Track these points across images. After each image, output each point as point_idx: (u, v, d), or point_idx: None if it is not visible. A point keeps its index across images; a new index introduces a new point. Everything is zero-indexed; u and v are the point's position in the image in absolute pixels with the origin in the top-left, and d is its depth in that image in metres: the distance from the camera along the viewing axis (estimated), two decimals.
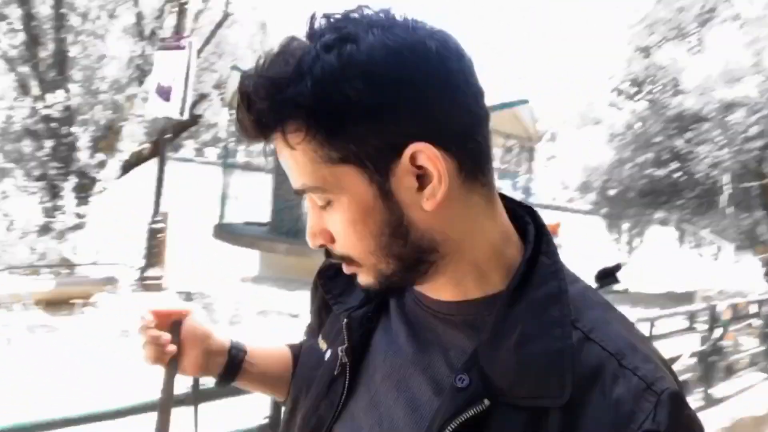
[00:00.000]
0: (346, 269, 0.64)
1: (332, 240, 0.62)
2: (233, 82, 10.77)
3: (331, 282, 0.77)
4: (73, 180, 9.65)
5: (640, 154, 12.17)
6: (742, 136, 8.90)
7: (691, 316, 6.07)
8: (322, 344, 0.76)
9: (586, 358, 0.57)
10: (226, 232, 11.39)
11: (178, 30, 8.58)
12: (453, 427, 0.57)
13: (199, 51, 10.07)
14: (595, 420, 0.54)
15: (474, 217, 0.62)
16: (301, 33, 0.59)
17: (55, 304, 6.98)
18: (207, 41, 11.06)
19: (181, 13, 8.50)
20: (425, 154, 0.58)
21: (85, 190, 10.08)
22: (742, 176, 10.69)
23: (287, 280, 9.37)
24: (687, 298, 12.36)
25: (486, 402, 0.57)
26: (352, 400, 0.68)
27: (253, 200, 12.39)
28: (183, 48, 7.60)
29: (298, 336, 0.95)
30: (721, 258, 15.41)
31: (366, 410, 0.66)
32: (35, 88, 9.86)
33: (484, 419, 0.57)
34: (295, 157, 0.59)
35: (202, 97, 11.27)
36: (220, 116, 12.07)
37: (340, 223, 0.60)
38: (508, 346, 0.58)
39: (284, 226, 11.05)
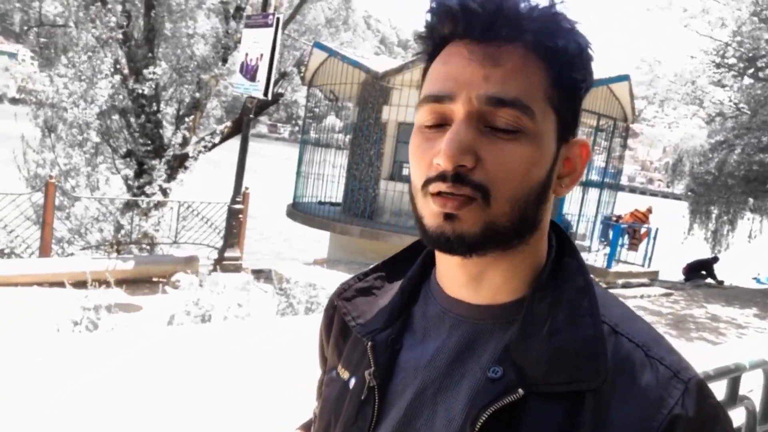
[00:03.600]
0: (457, 205, 0.59)
1: (474, 164, 0.58)
2: (315, 60, 10.64)
3: (349, 304, 0.75)
4: (158, 157, 9.85)
5: (751, 137, 11.05)
6: None
7: None
8: (344, 373, 0.73)
9: (615, 349, 0.59)
10: (299, 211, 11.32)
11: (265, 7, 8.40)
12: (487, 414, 0.57)
13: (283, 28, 9.96)
14: (626, 405, 0.56)
15: (548, 215, 0.66)
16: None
17: (136, 282, 7.14)
18: (291, 18, 10.94)
19: None
20: (584, 149, 0.65)
21: (169, 167, 10.30)
22: None
23: (359, 263, 9.24)
24: None
25: (520, 391, 0.57)
26: (384, 422, 0.67)
27: (328, 179, 12.26)
28: (270, 25, 7.43)
29: None
30: None
31: (400, 429, 0.65)
32: (126, 68, 10.11)
33: (519, 409, 0.57)
34: (521, 71, 0.59)
35: (282, 75, 11.22)
36: (299, 94, 11.97)
37: (519, 157, 0.59)
38: (539, 337, 0.59)
39: (358, 207, 10.90)
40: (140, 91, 9.65)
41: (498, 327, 0.63)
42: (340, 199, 11.87)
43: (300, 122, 12.85)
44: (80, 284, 5.76)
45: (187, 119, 10.57)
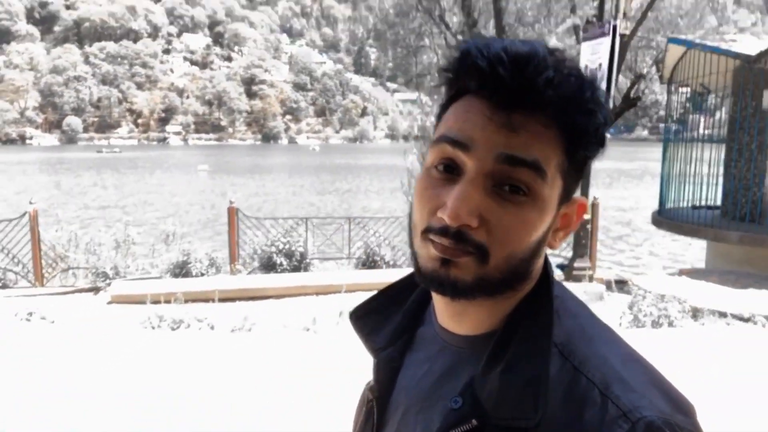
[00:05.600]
0: (457, 255, 0.60)
1: (478, 225, 0.59)
2: (672, 56, 9.86)
3: (360, 321, 0.80)
4: None
5: None
6: None
7: None
8: (370, 383, 0.81)
9: (573, 388, 0.59)
10: (665, 218, 10.49)
11: (616, 12, 8.29)
12: None
13: (636, 28, 9.61)
14: None
15: (541, 261, 0.67)
16: None
17: None
18: (643, 16, 10.44)
19: None
20: (580, 207, 0.67)
21: None
22: None
23: (738, 274, 8.11)
24: None
25: (474, 422, 0.61)
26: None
27: (701, 180, 10.96)
28: (606, 34, 7.43)
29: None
30: None
31: None
32: None
33: None
34: (538, 138, 0.60)
35: (638, 78, 10.74)
36: (658, 94, 11.20)
37: (522, 222, 0.60)
38: (496, 373, 0.62)
39: (738, 209, 9.53)
40: None
41: (475, 356, 0.66)
42: (718, 202, 10.51)
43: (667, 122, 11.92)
44: None
45: None
